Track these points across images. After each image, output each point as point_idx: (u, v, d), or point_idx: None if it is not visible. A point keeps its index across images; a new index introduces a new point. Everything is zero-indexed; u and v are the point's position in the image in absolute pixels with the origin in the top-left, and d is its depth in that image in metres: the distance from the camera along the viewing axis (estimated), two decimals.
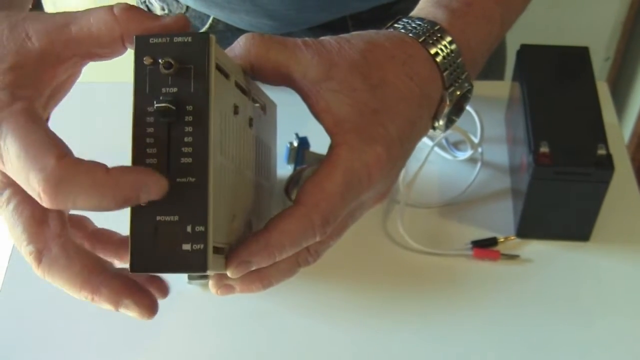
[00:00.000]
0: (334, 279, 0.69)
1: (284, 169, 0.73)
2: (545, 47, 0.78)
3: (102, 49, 0.42)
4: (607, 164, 0.67)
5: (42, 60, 0.41)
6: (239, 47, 0.45)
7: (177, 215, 0.39)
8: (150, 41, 0.40)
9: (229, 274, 0.43)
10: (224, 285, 0.46)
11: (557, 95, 0.73)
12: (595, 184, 0.67)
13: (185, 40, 0.40)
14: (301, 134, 0.76)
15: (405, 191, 0.74)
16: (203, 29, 0.86)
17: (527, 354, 0.65)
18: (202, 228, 0.39)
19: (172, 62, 0.39)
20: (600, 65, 1.64)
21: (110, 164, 0.38)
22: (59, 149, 0.38)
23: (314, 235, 0.43)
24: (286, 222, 0.43)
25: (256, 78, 0.46)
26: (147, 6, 0.90)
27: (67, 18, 0.41)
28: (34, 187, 0.37)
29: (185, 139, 0.39)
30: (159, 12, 0.88)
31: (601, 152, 0.67)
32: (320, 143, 0.77)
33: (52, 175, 0.37)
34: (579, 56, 0.77)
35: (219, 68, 0.41)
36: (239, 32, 0.83)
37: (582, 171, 0.67)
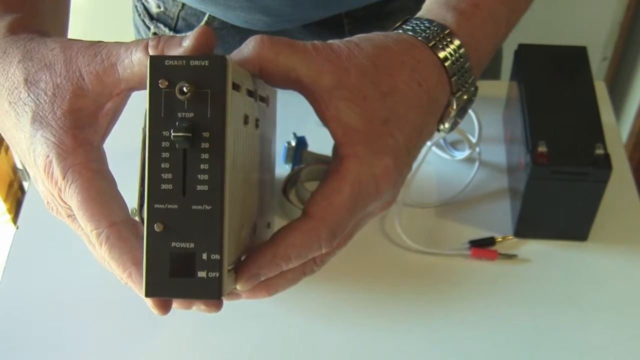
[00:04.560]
0: (331, 278, 0.69)
1: (281, 169, 0.73)
2: (543, 47, 0.78)
3: (144, 84, 0.43)
4: (604, 164, 0.67)
5: (96, 101, 0.45)
6: (247, 49, 0.44)
7: (192, 242, 0.39)
8: (166, 63, 0.39)
9: (239, 287, 0.43)
10: (230, 292, 0.46)
11: (555, 95, 0.73)
12: (593, 184, 0.67)
13: (202, 63, 0.39)
14: (299, 134, 0.76)
15: (403, 191, 0.74)
16: (198, 27, 0.85)
17: (524, 353, 0.65)
18: (217, 256, 0.39)
19: (189, 87, 0.38)
20: (598, 65, 1.64)
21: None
22: (111, 215, 0.43)
23: (320, 248, 0.44)
24: (293, 236, 0.43)
25: (264, 81, 0.45)
26: (143, 3, 0.90)
27: (112, 57, 0.44)
28: (91, 239, 0.44)
29: (202, 166, 0.39)
30: (154, 9, 0.88)
31: (599, 151, 0.67)
32: (318, 143, 0.77)
33: (104, 240, 0.43)
34: (577, 56, 0.77)
35: (233, 85, 0.40)
36: (235, 29, 0.83)
37: (579, 171, 0.67)
